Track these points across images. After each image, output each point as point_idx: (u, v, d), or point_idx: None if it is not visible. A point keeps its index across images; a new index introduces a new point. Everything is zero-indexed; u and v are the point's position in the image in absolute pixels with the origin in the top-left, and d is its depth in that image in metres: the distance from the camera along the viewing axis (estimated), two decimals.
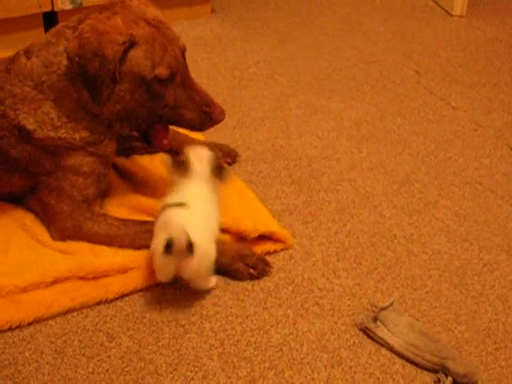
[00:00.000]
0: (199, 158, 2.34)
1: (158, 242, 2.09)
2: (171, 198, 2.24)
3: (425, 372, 2.04)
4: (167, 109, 2.36)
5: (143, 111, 2.35)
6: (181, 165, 2.31)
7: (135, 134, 2.52)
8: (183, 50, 2.38)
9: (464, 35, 4.24)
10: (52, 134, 2.33)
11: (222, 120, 2.43)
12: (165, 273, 2.18)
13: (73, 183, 2.39)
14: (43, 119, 2.32)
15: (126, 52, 2.22)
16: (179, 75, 2.33)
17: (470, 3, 4.46)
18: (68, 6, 3.66)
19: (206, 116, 2.39)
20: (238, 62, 3.79)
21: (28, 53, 2.35)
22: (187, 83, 2.37)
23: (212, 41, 4.02)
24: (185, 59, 2.39)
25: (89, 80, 2.23)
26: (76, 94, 2.32)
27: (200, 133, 2.96)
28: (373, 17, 4.46)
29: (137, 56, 2.24)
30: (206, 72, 3.66)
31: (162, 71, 2.27)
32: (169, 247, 2.05)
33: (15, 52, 2.41)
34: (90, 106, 2.32)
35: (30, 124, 2.32)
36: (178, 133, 2.85)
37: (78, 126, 2.36)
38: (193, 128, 2.44)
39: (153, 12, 2.34)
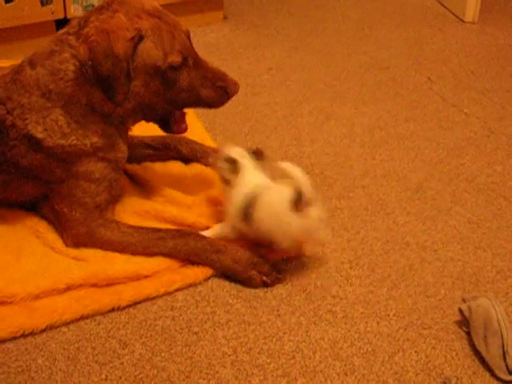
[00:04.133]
0: (239, 155, 2.41)
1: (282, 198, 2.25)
2: (240, 193, 2.35)
3: (438, 379, 2.04)
4: (183, 93, 2.39)
5: (159, 101, 2.38)
6: (230, 164, 2.38)
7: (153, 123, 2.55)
8: (188, 34, 2.40)
9: (476, 41, 4.23)
10: (62, 141, 2.33)
11: (236, 92, 2.48)
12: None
13: (85, 190, 2.39)
14: (52, 127, 2.33)
15: (135, 47, 2.24)
16: (190, 58, 2.37)
17: (482, 9, 4.44)
18: (80, 13, 3.66)
19: (222, 90, 2.44)
20: (250, 69, 3.79)
21: (32, 63, 2.35)
22: (199, 64, 2.41)
23: (224, 48, 4.02)
24: (191, 41, 2.42)
25: (104, 81, 2.23)
26: (85, 99, 2.32)
27: (212, 142, 2.98)
28: (385, 23, 4.45)
29: (147, 48, 2.27)
30: None
31: (176, 58, 2.31)
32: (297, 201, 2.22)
33: (20, 62, 2.42)
34: (102, 107, 2.34)
35: (39, 133, 2.32)
36: (192, 141, 2.86)
37: (88, 131, 2.36)
38: (211, 105, 2.48)
39: (150, 3, 2.36)
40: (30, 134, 2.33)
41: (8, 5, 3.53)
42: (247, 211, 2.30)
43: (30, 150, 2.34)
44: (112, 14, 2.26)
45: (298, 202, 2.21)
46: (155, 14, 2.31)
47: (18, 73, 2.37)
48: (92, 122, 2.36)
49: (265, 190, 2.32)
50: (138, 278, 2.30)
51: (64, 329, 2.16)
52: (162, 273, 2.32)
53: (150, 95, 2.35)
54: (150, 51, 2.27)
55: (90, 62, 2.22)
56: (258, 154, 2.45)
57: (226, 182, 2.40)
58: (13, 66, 2.44)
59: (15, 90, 2.34)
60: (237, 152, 2.41)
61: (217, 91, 2.43)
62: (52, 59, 2.32)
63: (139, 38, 2.25)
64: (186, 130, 2.57)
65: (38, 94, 2.32)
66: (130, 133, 2.54)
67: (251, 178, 2.38)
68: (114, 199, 2.49)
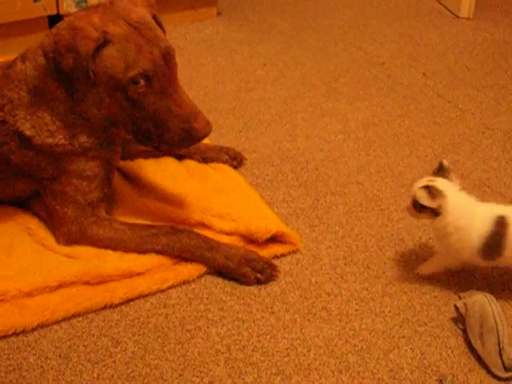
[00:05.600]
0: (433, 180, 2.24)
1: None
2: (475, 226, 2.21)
3: (433, 377, 2.02)
4: (149, 121, 2.24)
5: (127, 119, 2.27)
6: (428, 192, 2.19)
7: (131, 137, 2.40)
8: (166, 53, 2.22)
9: (471, 37, 4.22)
10: (50, 140, 2.31)
11: (204, 136, 2.27)
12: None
13: (77, 187, 2.37)
14: (39, 124, 2.30)
15: (99, 49, 2.14)
16: (157, 81, 2.20)
17: (477, 5, 4.43)
18: (73, 9, 3.65)
19: (186, 132, 2.24)
20: (244, 65, 3.78)
21: (23, 57, 2.33)
22: (167, 91, 2.22)
23: (218, 44, 4.01)
24: (169, 64, 2.24)
25: (64, 77, 2.18)
26: (63, 96, 2.27)
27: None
28: (379, 19, 4.44)
29: (110, 55, 2.15)
30: (212, 75, 3.64)
31: (136, 74, 2.16)
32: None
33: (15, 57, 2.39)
34: (77, 108, 2.28)
35: (27, 130, 2.30)
36: None
37: (74, 130, 2.32)
38: (172, 146, 2.33)
39: (139, 12, 2.24)
40: (20, 130, 2.31)
41: (0, 0, 3.51)
42: (493, 250, 2.20)
43: (20, 147, 2.33)
44: (90, 14, 2.20)
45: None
46: (135, 24, 2.19)
47: (9, 67, 2.35)
48: (76, 122, 2.32)
49: (509, 226, 2.17)
50: (130, 275, 2.28)
51: (56, 327, 2.15)
52: (154, 270, 2.31)
53: (116, 109, 2.24)
54: (112, 60, 2.15)
55: (52, 55, 2.17)
56: (443, 170, 2.27)
57: (420, 212, 2.24)
58: (5, 62, 2.42)
59: (6, 85, 2.32)
60: (431, 179, 2.24)
61: (179, 132, 2.23)
62: (38, 53, 2.29)
63: (104, 42, 2.14)
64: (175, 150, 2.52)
65: (25, 89, 2.30)
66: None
67: (465, 203, 2.24)
68: (106, 197, 2.47)
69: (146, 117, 2.24)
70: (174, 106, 2.22)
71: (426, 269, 2.37)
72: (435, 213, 2.19)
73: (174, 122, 2.22)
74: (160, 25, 2.32)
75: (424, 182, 2.21)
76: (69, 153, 2.34)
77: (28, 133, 2.30)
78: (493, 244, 2.18)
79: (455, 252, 2.25)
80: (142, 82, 2.17)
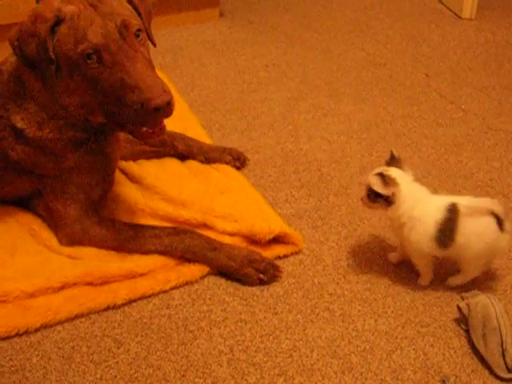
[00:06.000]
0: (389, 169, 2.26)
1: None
2: (428, 216, 2.23)
3: (436, 377, 2.02)
4: (108, 100, 2.16)
5: (93, 102, 2.21)
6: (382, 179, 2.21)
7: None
8: (121, 27, 2.14)
9: (474, 38, 4.22)
10: (39, 133, 2.31)
11: (160, 105, 2.09)
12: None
13: (78, 185, 2.37)
14: (27, 116, 2.31)
15: (54, 29, 2.13)
16: (107, 54, 2.11)
17: (479, 6, 4.43)
18: None
19: (141, 106, 2.10)
20: (246, 66, 3.78)
21: (15, 51, 2.33)
22: (122, 64, 2.12)
23: (221, 44, 4.01)
24: (126, 37, 2.15)
25: (32, 64, 2.18)
26: (38, 85, 2.26)
27: (208, 138, 2.96)
28: (382, 19, 4.44)
29: (63, 34, 2.13)
30: (214, 76, 3.64)
31: (85, 48, 2.10)
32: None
33: None
34: (54, 97, 2.25)
35: (18, 122, 2.31)
36: (188, 138, 2.85)
37: (59, 122, 2.31)
38: (133, 123, 2.19)
39: None
40: (13, 123, 2.32)
41: (3, 2, 3.52)
42: (446, 237, 2.21)
43: (17, 141, 2.34)
44: None
45: (501, 221, 2.19)
46: (93, 2, 2.15)
47: (3, 63, 2.37)
48: (58, 114, 2.30)
49: (460, 213, 2.20)
50: (133, 276, 2.28)
51: (59, 328, 2.15)
52: (157, 271, 2.31)
53: (81, 92, 2.20)
54: (65, 38, 2.12)
55: (17, 43, 2.17)
56: (395, 160, 2.30)
57: (374, 202, 2.26)
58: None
59: (0, 80, 2.33)
60: (385, 168, 2.26)
61: (134, 106, 2.11)
62: None
63: (57, 21, 2.12)
64: (155, 139, 2.39)
65: (13, 81, 2.31)
66: None
67: (418, 193, 2.26)
68: (107, 193, 2.47)
69: (106, 95, 2.16)
70: (128, 79, 2.11)
71: (422, 280, 2.37)
72: (388, 201, 2.22)
73: (129, 96, 2.11)
74: (132, 2, 2.28)
75: (378, 170, 2.24)
76: (62, 147, 2.34)
77: (19, 125, 2.31)
78: (446, 230, 2.20)
79: (412, 242, 2.27)
80: (95, 57, 2.11)
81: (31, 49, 2.14)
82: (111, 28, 2.12)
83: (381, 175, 2.21)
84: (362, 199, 2.30)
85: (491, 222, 2.18)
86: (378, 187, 2.21)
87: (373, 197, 2.24)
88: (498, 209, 2.18)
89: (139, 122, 2.16)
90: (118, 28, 2.13)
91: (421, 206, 2.23)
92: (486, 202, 2.23)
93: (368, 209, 2.35)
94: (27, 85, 2.29)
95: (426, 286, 2.34)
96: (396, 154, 2.29)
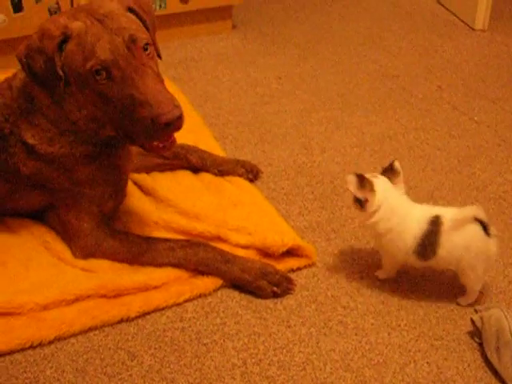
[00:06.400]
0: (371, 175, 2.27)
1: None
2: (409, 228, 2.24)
3: None
4: (119, 114, 2.16)
5: (104, 116, 2.22)
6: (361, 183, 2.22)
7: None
8: (129, 42, 2.14)
9: (486, 49, 4.21)
10: (51, 149, 2.32)
11: (166, 120, 2.09)
12: None
13: (90, 198, 2.38)
14: (38, 132, 2.31)
15: (61, 46, 2.14)
16: (116, 69, 2.11)
17: (492, 17, 4.42)
18: None
19: (151, 121, 2.11)
20: (259, 78, 3.78)
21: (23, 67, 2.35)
22: (131, 79, 2.12)
23: (233, 56, 4.01)
24: (134, 52, 2.15)
25: (40, 80, 2.20)
26: (48, 101, 2.28)
27: (221, 151, 2.97)
28: (394, 31, 4.44)
29: (70, 51, 2.13)
30: (227, 88, 3.65)
31: (93, 65, 2.10)
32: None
33: None
34: (64, 112, 2.26)
35: (29, 138, 2.32)
36: (201, 150, 2.85)
37: (70, 138, 2.31)
38: (144, 139, 2.20)
39: (109, 6, 2.20)
40: (24, 139, 2.32)
41: (17, 15, 3.53)
42: (427, 250, 2.23)
43: (28, 157, 2.34)
44: (61, 14, 2.23)
45: (486, 226, 2.18)
46: (100, 17, 2.16)
47: (12, 78, 2.38)
48: (69, 130, 2.30)
49: (443, 226, 2.20)
50: (146, 288, 2.28)
51: (72, 340, 2.16)
52: (171, 283, 2.31)
53: (91, 106, 2.21)
54: (73, 54, 2.13)
55: (25, 60, 2.18)
56: (391, 171, 2.30)
57: (362, 205, 2.24)
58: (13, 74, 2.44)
59: (9, 96, 2.34)
60: (374, 174, 2.28)
61: (144, 121, 2.11)
62: None
63: (64, 38, 2.13)
64: (164, 151, 2.32)
65: (23, 97, 2.32)
66: None
67: (398, 205, 2.25)
68: (119, 206, 2.48)
69: (116, 110, 2.16)
70: (137, 94, 2.11)
71: (382, 273, 2.41)
72: (361, 205, 2.22)
73: (139, 111, 2.11)
74: (139, 15, 2.28)
75: (365, 173, 2.25)
76: (74, 162, 2.34)
77: (30, 141, 2.32)
78: (428, 243, 2.21)
79: (389, 252, 2.31)
80: (104, 73, 2.12)
81: (39, 65, 2.16)
82: (119, 43, 2.13)
83: (360, 177, 2.21)
84: (350, 202, 2.32)
85: (476, 230, 2.18)
86: (352, 187, 2.21)
87: (352, 197, 2.25)
88: (481, 214, 2.18)
89: (150, 136, 2.17)
90: (125, 43, 2.13)
91: (399, 218, 2.23)
92: (467, 211, 2.22)
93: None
94: (37, 101, 2.29)
95: (380, 279, 2.40)
96: (397, 165, 2.29)
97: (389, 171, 2.29)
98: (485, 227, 2.17)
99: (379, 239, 2.30)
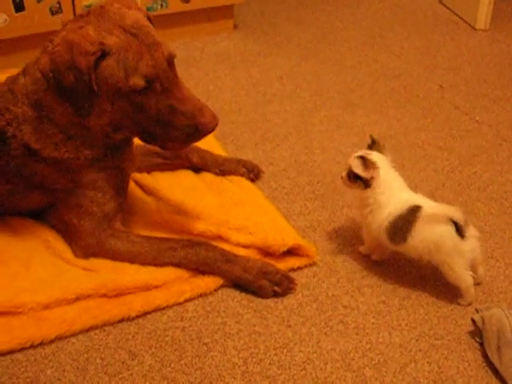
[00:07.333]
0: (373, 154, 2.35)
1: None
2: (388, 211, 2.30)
3: None
4: (152, 121, 2.24)
5: (130, 123, 2.27)
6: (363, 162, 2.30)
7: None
8: (168, 57, 2.21)
9: (488, 49, 4.21)
10: (56, 153, 2.32)
11: (211, 129, 2.25)
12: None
13: (92, 199, 2.38)
14: (44, 137, 2.31)
15: (97, 62, 2.13)
16: (158, 83, 2.18)
17: (493, 17, 4.42)
18: None
19: (192, 128, 2.23)
20: (260, 78, 3.79)
21: (24, 71, 2.34)
22: (170, 91, 2.21)
23: (235, 56, 4.01)
24: (171, 66, 2.24)
25: (68, 93, 2.18)
26: (61, 108, 2.27)
27: (222, 150, 2.97)
28: (396, 31, 4.44)
29: (109, 67, 2.13)
30: (229, 88, 3.65)
31: (137, 81, 2.14)
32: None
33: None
34: (78, 119, 2.26)
35: (33, 143, 2.31)
36: (202, 150, 2.85)
37: (76, 142, 2.32)
38: (180, 143, 2.30)
39: (133, 16, 2.22)
40: (27, 144, 2.32)
41: (18, 14, 3.54)
42: (397, 234, 2.28)
43: (31, 160, 2.34)
44: (83, 24, 2.17)
45: (461, 228, 2.19)
46: (131, 30, 2.17)
47: (13, 82, 2.36)
48: (77, 134, 2.31)
49: (420, 217, 2.24)
50: (147, 288, 2.28)
51: (73, 339, 2.15)
52: (171, 283, 2.31)
53: (119, 115, 2.24)
54: (112, 70, 2.13)
55: (52, 74, 2.17)
56: (376, 145, 2.39)
57: (353, 182, 2.35)
58: (11, 77, 2.43)
59: (11, 101, 2.33)
60: (367, 152, 2.36)
61: (185, 128, 2.23)
62: (34, 67, 2.28)
63: (102, 54, 2.13)
64: (181, 149, 2.45)
65: (27, 103, 2.30)
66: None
67: (392, 182, 2.33)
68: (122, 207, 2.48)
69: (151, 119, 2.23)
70: (177, 105, 2.21)
71: (363, 248, 2.49)
72: (366, 184, 2.30)
73: (180, 120, 2.22)
74: (152, 24, 2.31)
75: (360, 153, 2.32)
76: (77, 165, 2.35)
77: (35, 146, 2.31)
78: (399, 228, 2.26)
79: (367, 225, 2.37)
80: (143, 86, 2.16)
81: (69, 80, 2.14)
82: (158, 58, 2.18)
83: (362, 158, 2.29)
84: (341, 178, 2.39)
85: (448, 229, 2.20)
86: (359, 170, 2.29)
87: (352, 178, 2.33)
88: (457, 215, 2.19)
89: (188, 140, 2.29)
90: (165, 58, 2.20)
91: (389, 194, 2.31)
92: (444, 210, 2.25)
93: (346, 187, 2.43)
94: (47, 109, 2.29)
95: (361, 253, 2.48)
96: (376, 137, 2.40)
97: (374, 146, 2.39)
98: (458, 228, 2.18)
99: (364, 209, 2.36)
